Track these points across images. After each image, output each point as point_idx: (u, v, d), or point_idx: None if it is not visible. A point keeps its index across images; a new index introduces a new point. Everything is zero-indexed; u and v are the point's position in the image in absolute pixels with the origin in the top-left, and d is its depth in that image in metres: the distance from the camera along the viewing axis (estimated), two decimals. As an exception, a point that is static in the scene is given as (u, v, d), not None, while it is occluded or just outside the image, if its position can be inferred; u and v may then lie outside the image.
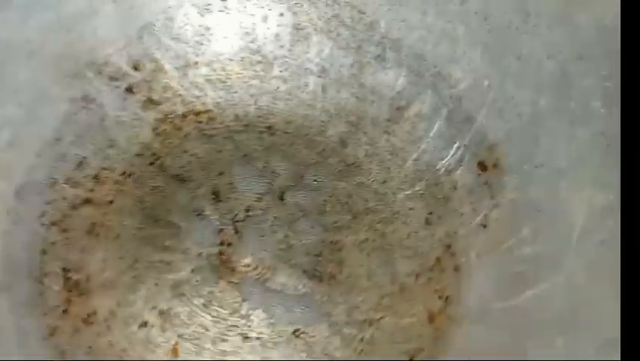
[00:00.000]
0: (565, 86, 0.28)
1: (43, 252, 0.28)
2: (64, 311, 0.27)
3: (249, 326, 0.28)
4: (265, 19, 0.33)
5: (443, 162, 0.31)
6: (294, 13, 0.33)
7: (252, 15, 0.33)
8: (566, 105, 0.28)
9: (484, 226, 0.29)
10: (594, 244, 0.26)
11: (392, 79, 0.32)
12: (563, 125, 0.28)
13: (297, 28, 0.33)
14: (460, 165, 0.30)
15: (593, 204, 0.27)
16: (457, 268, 0.29)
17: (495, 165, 0.30)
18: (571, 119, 0.28)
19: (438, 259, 0.29)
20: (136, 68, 0.31)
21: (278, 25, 0.32)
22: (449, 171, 0.31)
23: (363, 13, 0.32)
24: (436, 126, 0.31)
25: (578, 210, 0.27)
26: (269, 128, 0.32)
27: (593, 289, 0.26)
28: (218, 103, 0.32)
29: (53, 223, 0.28)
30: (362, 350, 0.28)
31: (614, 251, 0.26)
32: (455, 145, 0.31)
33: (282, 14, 0.32)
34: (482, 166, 0.30)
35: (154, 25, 0.31)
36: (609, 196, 0.26)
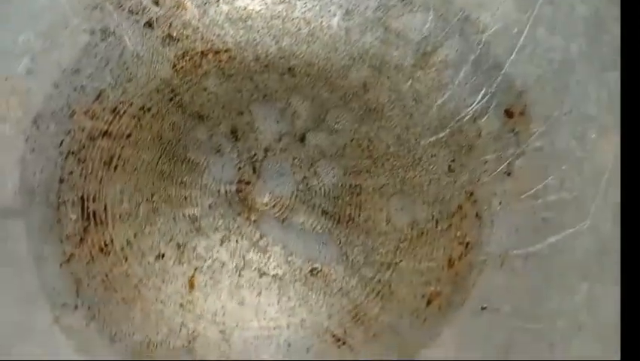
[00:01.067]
0: (598, 31, 0.28)
1: (61, 180, 0.28)
2: (81, 240, 0.27)
3: (266, 263, 0.28)
4: (290, -42, 0.32)
5: (468, 109, 0.30)
6: (320, -47, 0.32)
7: (277, -47, 0.32)
8: (598, 51, 0.28)
9: (509, 174, 0.29)
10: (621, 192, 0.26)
11: (418, 23, 0.31)
12: (594, 71, 0.28)
13: (322, -32, 0.32)
14: (486, 113, 0.30)
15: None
16: (479, 215, 0.29)
17: (522, 113, 0.29)
18: (602, 65, 0.27)
19: (460, 207, 0.29)
20: (156, 3, 0.31)
21: (303, -35, 0.32)
22: (474, 119, 0.30)
23: (391, -47, 0.31)
24: (462, 73, 0.30)
25: (606, 157, 0.27)
26: (290, 69, 0.32)
27: (616, 237, 0.26)
28: (238, 42, 0.32)
29: (71, 153, 0.28)
30: (379, 292, 0.28)
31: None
32: (481, 92, 0.30)
33: (307, -47, 0.32)
34: (509, 113, 0.29)
35: (177, -41, 0.31)
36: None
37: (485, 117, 0.30)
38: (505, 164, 0.29)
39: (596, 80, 0.28)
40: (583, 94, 0.28)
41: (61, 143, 0.28)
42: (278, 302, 0.27)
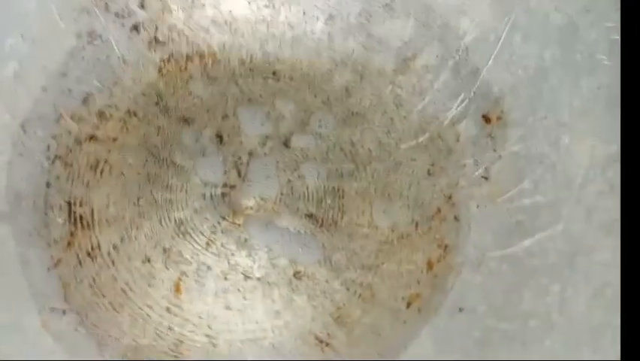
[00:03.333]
0: (571, 38, 0.29)
1: (48, 185, 0.28)
2: (69, 244, 0.27)
3: (251, 267, 0.28)
4: (274, -37, 0.32)
5: (447, 113, 0.31)
6: (304, -41, 0.32)
7: (262, -41, 0.32)
8: (572, 58, 0.29)
9: (486, 178, 0.30)
10: (594, 194, 0.27)
11: (400, 29, 0.32)
12: (567, 78, 0.29)
13: (306, -26, 0.32)
14: (464, 118, 0.31)
15: (595, 155, 0.27)
16: (457, 218, 0.30)
17: (499, 118, 0.30)
18: (576, 71, 0.28)
19: (438, 209, 0.30)
20: (142, 6, 0.31)
21: (287, -29, 0.32)
22: (453, 123, 0.31)
23: (374, -39, 0.32)
24: (441, 78, 0.31)
25: (580, 161, 0.28)
26: (274, 73, 0.32)
27: (590, 238, 0.27)
28: (223, 46, 0.32)
29: (58, 157, 0.28)
30: (361, 295, 0.28)
31: (612, 201, 0.26)
32: (460, 97, 0.31)
33: (291, -41, 0.32)
34: (486, 119, 0.30)
35: (162, -36, 0.31)
36: (611, 147, 0.27)
37: (463, 122, 0.31)
38: (483, 168, 0.30)
39: (570, 86, 0.29)
40: (557, 100, 0.29)
41: (49, 147, 0.28)
42: (263, 306, 0.28)
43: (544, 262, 0.27)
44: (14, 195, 0.27)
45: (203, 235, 0.28)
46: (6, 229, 0.27)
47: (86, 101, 0.30)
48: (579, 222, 0.27)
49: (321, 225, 0.29)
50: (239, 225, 0.29)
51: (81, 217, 0.28)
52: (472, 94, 0.31)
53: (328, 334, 0.28)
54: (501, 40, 0.30)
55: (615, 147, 0.26)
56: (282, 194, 0.30)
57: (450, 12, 0.31)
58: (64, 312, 0.26)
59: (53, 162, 0.28)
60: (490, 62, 0.30)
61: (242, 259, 0.28)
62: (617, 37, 0.27)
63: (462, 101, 0.31)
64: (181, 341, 0.27)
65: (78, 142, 0.29)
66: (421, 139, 0.31)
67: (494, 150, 0.30)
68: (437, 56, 0.31)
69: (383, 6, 0.32)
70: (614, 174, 0.26)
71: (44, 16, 0.29)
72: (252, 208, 0.29)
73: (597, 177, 0.27)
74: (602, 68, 0.27)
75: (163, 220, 0.28)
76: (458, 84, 0.31)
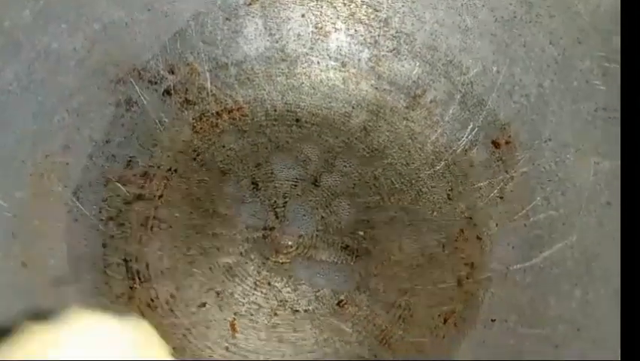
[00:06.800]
0: (567, 68, 0.32)
1: (104, 245, 0.30)
2: (130, 298, 0.29)
3: (297, 301, 0.31)
4: (287, 20, 0.35)
5: (459, 142, 0.34)
6: (314, 14, 0.35)
7: (275, 17, 0.35)
8: (569, 85, 0.32)
9: (501, 198, 0.33)
10: (601, 206, 0.30)
11: (407, 70, 0.35)
12: (567, 103, 0.32)
13: (317, 27, 0.35)
14: (475, 145, 0.34)
15: (598, 171, 0.30)
16: (479, 237, 0.32)
17: (507, 143, 0.33)
18: (574, 97, 0.32)
19: (461, 230, 0.33)
20: (172, 72, 0.34)
21: (299, 26, 0.35)
22: (466, 151, 0.34)
23: (378, 10, 0.35)
24: (450, 111, 0.34)
25: (585, 177, 0.31)
26: (297, 120, 0.35)
27: (602, 245, 0.29)
28: (248, 100, 0.35)
29: (110, 219, 0.31)
30: (400, 316, 0.31)
31: (618, 211, 0.29)
32: (469, 127, 0.34)
33: (303, 15, 0.35)
34: (496, 144, 0.33)
35: (186, 31, 0.34)
36: (612, 163, 0.30)
37: (475, 149, 0.34)
38: (497, 189, 0.33)
39: (570, 110, 0.32)
40: (559, 123, 0.32)
41: (100, 210, 0.31)
42: (313, 336, 0.30)
43: (564, 270, 0.30)
44: (75, 258, 0.29)
45: (250, 275, 0.31)
46: (71, 291, 0.29)
47: (129, 164, 0.32)
48: (592, 232, 0.30)
49: (357, 255, 0.32)
50: (282, 263, 0.31)
51: (138, 272, 0.30)
52: (480, 123, 0.34)
53: (375, 355, 0.30)
54: (502, 73, 0.33)
55: (616, 162, 0.29)
56: (317, 230, 0.32)
57: (453, 51, 0.34)
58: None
59: (106, 223, 0.31)
60: (494, 93, 0.33)
61: (288, 294, 0.31)
62: (608, 64, 0.30)
63: (472, 130, 0.34)
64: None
65: (127, 202, 0.31)
66: (437, 167, 0.34)
67: (506, 172, 0.33)
68: (444, 91, 0.34)
69: (390, 50, 0.35)
70: (618, 186, 0.29)
71: (85, 91, 0.32)
72: (291, 246, 0.32)
73: (603, 190, 0.30)
74: (598, 92, 0.30)
75: (213, 267, 0.31)
76: (466, 115, 0.34)
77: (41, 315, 0.23)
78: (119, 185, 0.31)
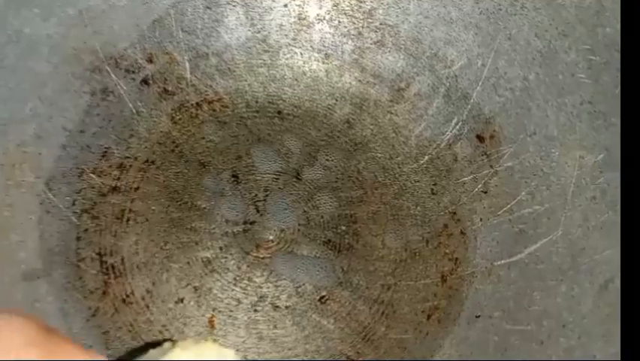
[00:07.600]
0: (552, 61, 0.31)
1: (78, 238, 0.29)
2: (104, 293, 0.28)
3: (278, 296, 0.30)
4: (269, 10, 0.34)
5: (444, 136, 0.33)
6: (297, 4, 0.34)
7: (257, 7, 0.34)
8: (554, 78, 0.31)
9: (485, 193, 0.32)
10: (586, 200, 0.30)
11: (391, 62, 0.34)
12: (552, 97, 0.31)
13: (299, 17, 0.35)
14: (460, 139, 0.33)
15: (583, 165, 0.30)
16: (463, 232, 0.32)
17: (492, 137, 0.33)
18: (559, 90, 0.31)
19: (445, 225, 0.32)
20: (150, 61, 0.33)
21: (282, 16, 0.34)
22: (450, 145, 0.33)
23: (362, 1, 0.34)
24: (435, 104, 0.34)
25: (570, 171, 0.30)
26: (279, 112, 0.34)
27: (587, 240, 0.29)
28: (229, 91, 0.34)
29: (84, 211, 0.30)
30: (383, 312, 0.30)
31: (604, 205, 0.29)
32: (454, 121, 0.33)
33: (285, 5, 0.34)
34: (480, 138, 0.33)
35: (165, 19, 0.33)
36: (597, 156, 0.29)
37: (459, 143, 0.33)
38: (481, 184, 0.33)
39: (555, 104, 0.31)
40: (544, 117, 0.32)
41: (74, 202, 0.30)
42: (293, 332, 0.29)
43: (549, 266, 0.29)
44: (47, 251, 0.28)
45: (229, 270, 0.30)
46: (43, 285, 0.28)
47: (105, 155, 0.31)
48: (577, 227, 0.29)
49: (339, 250, 0.31)
50: (262, 258, 0.31)
51: (113, 266, 0.29)
52: (465, 116, 0.33)
53: (358, 352, 0.29)
54: (487, 66, 0.33)
55: (601, 156, 0.29)
56: (299, 224, 0.31)
57: (437, 43, 0.34)
58: (108, 357, 0.27)
59: (80, 216, 0.30)
60: (478, 87, 0.33)
61: (269, 290, 0.30)
62: (594, 57, 0.30)
63: (456, 124, 0.33)
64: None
65: (102, 195, 0.30)
66: (421, 161, 0.33)
67: (490, 167, 0.32)
68: (428, 85, 0.34)
69: (374, 42, 0.34)
70: (603, 180, 0.29)
71: (59, 78, 0.31)
72: (272, 241, 0.31)
73: (588, 184, 0.30)
74: (583, 86, 0.30)
75: (190, 261, 0.30)
76: (451, 109, 0.34)
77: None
78: (94, 176, 0.30)
